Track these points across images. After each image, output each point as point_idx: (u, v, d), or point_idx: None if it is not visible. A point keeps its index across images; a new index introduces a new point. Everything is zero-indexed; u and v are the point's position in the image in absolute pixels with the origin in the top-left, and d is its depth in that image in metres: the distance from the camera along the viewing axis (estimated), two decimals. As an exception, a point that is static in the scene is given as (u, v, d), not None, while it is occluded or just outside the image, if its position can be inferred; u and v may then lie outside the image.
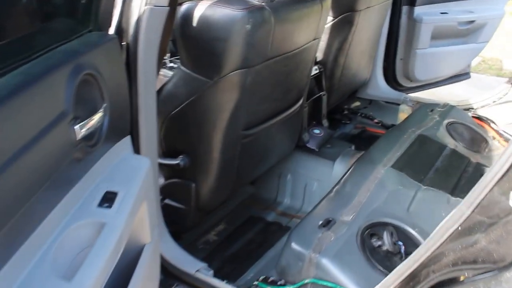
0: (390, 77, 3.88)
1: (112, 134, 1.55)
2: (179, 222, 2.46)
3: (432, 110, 3.34)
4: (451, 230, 1.48)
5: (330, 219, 2.31)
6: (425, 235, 2.33)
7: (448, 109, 3.37)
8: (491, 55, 6.80)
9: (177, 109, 2.15)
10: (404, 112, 3.67)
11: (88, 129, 1.39)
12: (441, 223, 1.56)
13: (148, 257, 1.69)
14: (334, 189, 2.57)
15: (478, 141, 3.18)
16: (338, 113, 3.75)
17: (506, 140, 3.18)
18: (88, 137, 1.40)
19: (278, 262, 2.30)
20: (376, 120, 3.75)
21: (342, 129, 3.73)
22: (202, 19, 1.99)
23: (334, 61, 3.15)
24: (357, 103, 3.88)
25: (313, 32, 2.45)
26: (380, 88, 3.83)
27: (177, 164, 2.23)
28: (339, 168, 2.92)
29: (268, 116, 2.44)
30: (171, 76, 2.15)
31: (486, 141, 3.21)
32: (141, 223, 1.66)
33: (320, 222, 2.29)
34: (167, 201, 2.40)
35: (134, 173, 1.60)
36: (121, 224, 1.39)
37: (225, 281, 2.25)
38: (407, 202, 2.49)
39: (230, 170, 2.37)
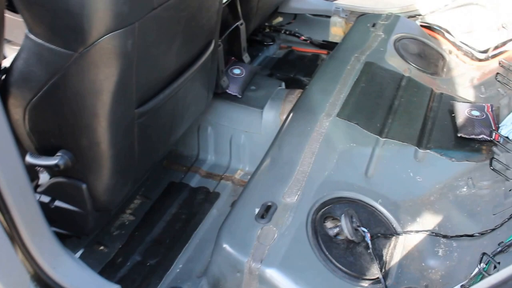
0: (315, -19, 3.28)
1: None
2: (77, 226, 1.93)
3: (374, 25, 2.80)
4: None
5: (269, 203, 1.81)
6: (392, 206, 1.91)
7: (393, 20, 2.84)
8: None
9: (38, 95, 1.51)
10: (336, 26, 3.16)
11: None
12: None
13: None
14: (269, 155, 2.04)
15: (433, 59, 2.71)
16: (259, 33, 3.16)
17: (466, 53, 2.71)
18: None
19: (209, 269, 1.81)
20: (303, 37, 3.25)
21: (265, 52, 3.18)
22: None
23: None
24: (280, 19, 3.30)
25: None
26: (304, -2, 3.23)
27: (56, 165, 1.62)
28: (270, 115, 2.38)
29: (170, 79, 1.82)
30: (19, 49, 1.47)
31: (443, 57, 2.75)
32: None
33: (257, 210, 1.79)
34: (58, 203, 1.83)
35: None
36: None
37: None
38: (363, 165, 2.02)
39: (128, 160, 1.78)
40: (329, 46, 3.15)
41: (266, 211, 1.78)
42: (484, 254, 1.56)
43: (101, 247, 2.13)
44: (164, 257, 2.09)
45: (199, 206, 2.33)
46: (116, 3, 1.37)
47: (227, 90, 2.42)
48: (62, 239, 1.82)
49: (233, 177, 2.46)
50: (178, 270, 2.04)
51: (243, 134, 2.43)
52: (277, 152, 2.03)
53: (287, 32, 3.24)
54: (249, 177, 2.44)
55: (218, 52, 2.24)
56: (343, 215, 1.76)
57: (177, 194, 2.38)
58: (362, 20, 2.91)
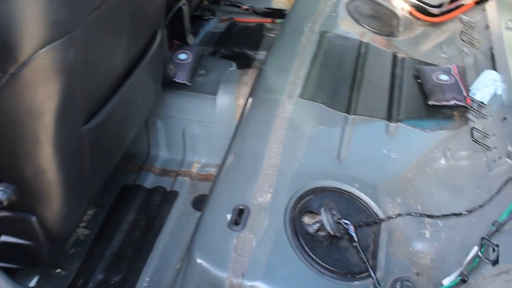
0: None
1: None
2: (30, 259, 1.74)
3: (322, -13, 2.66)
4: None
5: (241, 207, 1.67)
6: (370, 190, 1.80)
7: (341, -19, 2.71)
8: None
9: None
10: (280, -9, 3.00)
11: None
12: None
13: None
14: (232, 149, 1.89)
15: (387, 19, 2.59)
16: (197, 7, 2.96)
17: (419, 9, 2.61)
18: None
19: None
20: (245, 7, 3.07)
21: (205, 28, 2.97)
22: None
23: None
24: (218, -11, 3.10)
25: None
26: (243, -37, 3.04)
27: None
28: (224, 101, 2.21)
29: (118, 83, 1.64)
30: None
31: (396, 16, 2.63)
32: None
33: (229, 217, 1.65)
34: (5, 238, 1.63)
35: None
36: None
37: None
38: (335, 148, 1.90)
39: (80, 182, 1.59)
40: (274, 13, 2.99)
41: (239, 216, 1.64)
42: (483, 238, 1.49)
43: (58, 270, 1.94)
44: (129, 272, 1.93)
45: (157, 209, 2.16)
46: (51, 9, 1.16)
47: (175, 79, 2.22)
48: (13, 269, 1.67)
49: (190, 172, 2.30)
50: (145, 285, 1.89)
51: (196, 124, 2.26)
52: (241, 145, 1.88)
53: (227, 3, 3.04)
54: (207, 169, 2.33)
55: (163, 37, 2.05)
56: (322, 209, 1.65)
57: (132, 198, 2.20)
58: (308, -16, 2.76)
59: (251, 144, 1.87)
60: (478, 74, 2.09)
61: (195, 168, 2.32)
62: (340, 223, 1.65)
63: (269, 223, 1.63)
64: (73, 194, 1.56)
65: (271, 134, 1.88)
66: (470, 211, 1.67)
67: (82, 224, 2.11)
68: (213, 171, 2.28)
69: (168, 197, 2.22)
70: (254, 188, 1.72)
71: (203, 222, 1.67)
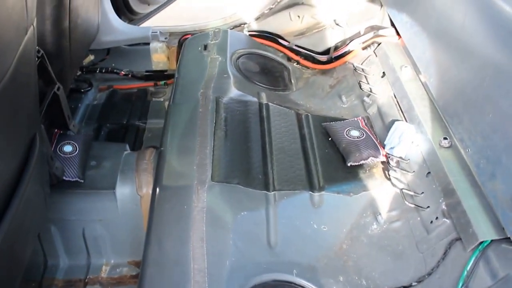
0: (121, 8, 2.72)
1: None
2: None
3: (205, 47, 2.35)
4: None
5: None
6: (309, 273, 1.53)
7: (223, 37, 2.41)
8: None
9: None
10: (158, 52, 2.69)
11: None
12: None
13: None
14: (149, 258, 1.52)
15: (278, 72, 2.35)
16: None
17: (306, 57, 2.39)
18: None
19: None
20: (123, 72, 2.72)
21: (84, 101, 2.57)
22: None
23: (55, 29, 1.86)
24: (91, 58, 2.68)
25: (21, 21, 1.22)
26: (115, 29, 2.62)
27: None
28: (125, 194, 1.83)
29: None
30: None
31: (285, 67, 2.39)
32: None
33: None
34: None
35: None
36: None
37: None
38: (263, 234, 1.60)
39: None
40: (155, 76, 2.68)
41: None
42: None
43: None
44: None
45: None
46: None
47: (64, 177, 1.80)
48: None
49: (100, 277, 1.90)
50: None
51: (97, 223, 1.86)
52: (158, 252, 1.52)
53: (104, 70, 2.67)
54: (118, 270, 1.94)
55: (42, 134, 1.63)
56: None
57: None
58: (190, 43, 2.42)
59: (171, 248, 1.53)
60: (384, 123, 1.92)
61: (104, 272, 1.92)
62: (289, 325, 1.37)
63: None
64: None
65: (190, 232, 1.55)
66: (419, 281, 1.48)
67: None
68: (126, 271, 1.91)
69: (79, 315, 1.80)
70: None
71: None
